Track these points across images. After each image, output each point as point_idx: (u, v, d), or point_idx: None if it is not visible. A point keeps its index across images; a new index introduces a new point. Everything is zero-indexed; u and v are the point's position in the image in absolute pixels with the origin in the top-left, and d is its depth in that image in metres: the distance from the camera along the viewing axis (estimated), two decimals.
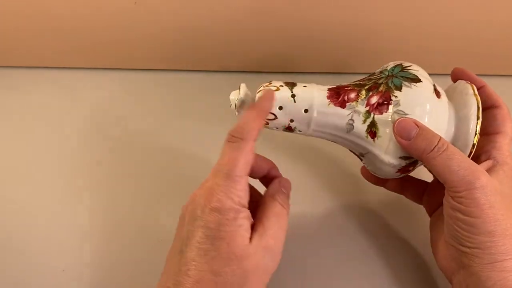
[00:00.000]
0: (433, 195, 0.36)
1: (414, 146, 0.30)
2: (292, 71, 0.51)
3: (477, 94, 0.31)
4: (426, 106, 0.31)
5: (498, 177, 0.30)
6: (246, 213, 0.28)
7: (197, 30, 0.46)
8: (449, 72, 0.51)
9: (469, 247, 0.29)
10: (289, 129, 0.32)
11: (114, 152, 0.45)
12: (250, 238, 0.28)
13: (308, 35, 0.46)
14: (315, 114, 0.31)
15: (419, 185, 0.37)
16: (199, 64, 0.51)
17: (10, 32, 0.47)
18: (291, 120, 0.32)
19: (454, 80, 0.36)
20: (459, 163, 0.29)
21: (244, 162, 0.28)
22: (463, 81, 0.34)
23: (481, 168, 0.29)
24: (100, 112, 0.48)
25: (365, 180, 0.38)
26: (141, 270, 0.37)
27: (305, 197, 0.41)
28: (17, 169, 0.44)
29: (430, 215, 0.36)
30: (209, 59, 0.50)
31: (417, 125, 0.30)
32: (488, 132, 0.33)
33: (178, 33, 0.47)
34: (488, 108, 0.34)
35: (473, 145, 0.31)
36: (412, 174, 0.35)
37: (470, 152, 0.31)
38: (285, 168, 0.35)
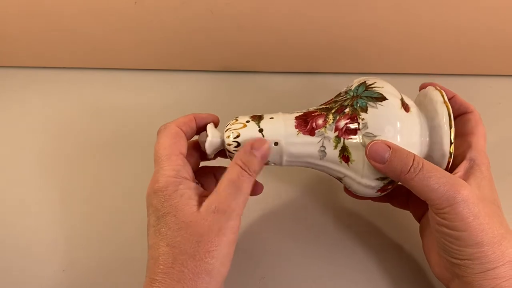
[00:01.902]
0: (418, 200, 0.35)
1: (389, 169, 0.29)
2: (289, 71, 0.51)
3: (448, 102, 0.31)
4: (396, 125, 0.30)
5: (476, 180, 0.30)
6: (188, 183, 0.29)
7: (197, 30, 0.46)
8: (449, 72, 0.52)
9: (460, 259, 0.29)
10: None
11: (114, 152, 0.45)
12: (201, 204, 0.29)
13: (307, 35, 0.46)
14: (285, 146, 0.31)
15: (404, 192, 0.37)
16: (199, 64, 0.51)
17: (10, 32, 0.47)
18: None
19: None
20: (437, 180, 0.28)
21: (168, 143, 0.30)
22: (432, 87, 0.33)
23: (460, 180, 0.29)
24: (100, 112, 0.48)
25: None
26: (141, 270, 0.37)
27: (299, 197, 0.41)
28: (17, 169, 0.44)
29: (419, 221, 0.36)
30: (209, 59, 0.50)
31: (389, 146, 0.29)
32: (463, 133, 0.33)
33: (178, 33, 0.47)
34: (461, 114, 0.34)
35: (450, 154, 0.31)
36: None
37: (448, 162, 0.31)
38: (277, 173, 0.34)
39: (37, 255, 0.38)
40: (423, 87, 0.35)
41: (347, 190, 0.36)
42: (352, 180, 0.32)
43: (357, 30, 0.46)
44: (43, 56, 0.51)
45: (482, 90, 0.50)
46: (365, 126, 0.30)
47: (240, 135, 0.31)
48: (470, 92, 0.50)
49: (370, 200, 0.38)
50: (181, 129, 0.32)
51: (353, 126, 0.30)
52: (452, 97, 0.35)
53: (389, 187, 0.32)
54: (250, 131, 0.31)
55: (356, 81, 0.33)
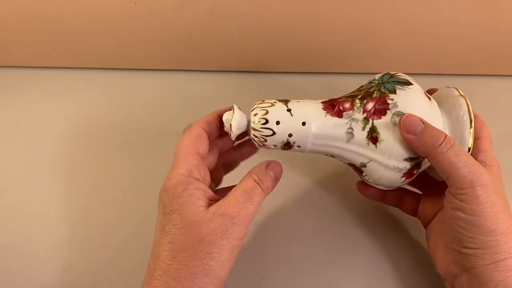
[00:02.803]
0: (427, 207, 0.36)
1: (421, 141, 0.30)
2: (292, 71, 0.51)
3: (464, 95, 0.32)
4: (423, 106, 0.31)
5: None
6: (199, 184, 0.30)
7: (197, 30, 0.46)
8: (449, 72, 0.51)
9: (471, 248, 0.29)
10: (287, 145, 0.32)
11: (114, 151, 0.45)
12: (208, 207, 0.29)
13: (308, 35, 0.46)
14: (313, 127, 0.31)
15: (414, 198, 0.37)
16: (199, 64, 0.51)
17: (10, 32, 0.47)
18: (290, 135, 0.32)
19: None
20: (465, 161, 0.29)
21: (188, 143, 0.31)
22: (445, 87, 0.34)
23: (483, 168, 0.30)
24: (100, 112, 0.48)
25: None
26: (141, 270, 0.37)
27: (306, 196, 0.41)
28: (17, 169, 0.44)
29: (425, 227, 0.36)
30: (209, 59, 0.50)
31: (422, 122, 0.30)
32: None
33: (178, 33, 0.47)
34: None
35: (469, 149, 0.31)
36: (405, 187, 0.35)
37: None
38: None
39: (37, 255, 0.38)
40: (430, 91, 0.36)
41: (362, 185, 0.37)
42: (378, 164, 0.31)
43: (357, 30, 0.46)
44: (43, 56, 0.51)
45: (482, 90, 0.50)
46: (395, 105, 0.30)
47: (269, 113, 0.31)
48: (470, 92, 0.50)
49: (372, 203, 0.38)
50: (204, 129, 0.32)
51: (382, 106, 0.31)
52: None
53: (415, 171, 0.32)
54: (278, 110, 0.31)
55: (378, 74, 0.34)
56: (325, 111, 0.32)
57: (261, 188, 0.30)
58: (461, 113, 0.31)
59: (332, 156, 0.33)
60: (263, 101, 0.32)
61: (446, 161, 0.29)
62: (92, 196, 0.42)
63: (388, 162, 0.31)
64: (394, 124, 0.30)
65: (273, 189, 0.32)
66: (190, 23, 0.45)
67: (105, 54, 0.50)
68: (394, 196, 0.38)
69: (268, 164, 0.32)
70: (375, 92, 0.32)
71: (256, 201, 0.30)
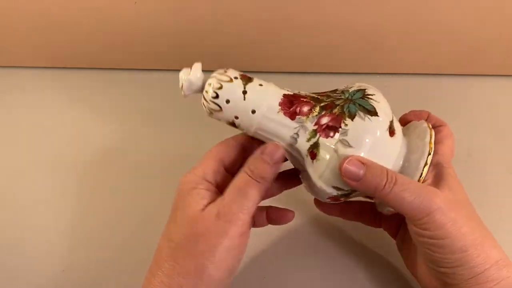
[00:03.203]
0: (389, 217, 0.35)
1: (364, 185, 0.29)
2: (292, 71, 0.51)
3: (433, 143, 0.30)
4: (375, 143, 0.29)
5: (448, 183, 0.30)
6: (209, 186, 0.30)
7: (197, 30, 0.46)
8: (449, 72, 0.52)
9: (448, 267, 0.29)
10: (232, 124, 0.31)
11: (114, 151, 0.45)
12: (207, 206, 0.29)
13: (307, 35, 0.46)
14: (260, 118, 0.30)
15: (374, 210, 0.35)
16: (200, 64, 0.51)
17: (10, 32, 0.47)
18: (236, 117, 0.30)
19: (406, 119, 0.36)
20: (412, 192, 0.28)
21: (214, 150, 0.31)
22: (425, 124, 0.32)
23: (432, 189, 0.29)
24: (100, 112, 0.48)
25: None
26: (141, 270, 0.37)
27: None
28: (16, 169, 0.44)
29: (394, 237, 0.36)
30: (210, 59, 0.50)
31: (362, 163, 0.28)
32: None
33: (178, 33, 0.47)
34: (434, 127, 0.33)
35: (420, 176, 0.30)
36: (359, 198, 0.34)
37: None
38: None
39: (36, 255, 0.38)
40: (416, 114, 0.35)
41: (317, 201, 0.36)
42: (309, 178, 0.30)
43: (357, 30, 0.46)
44: (43, 56, 0.51)
45: (482, 90, 0.50)
46: (345, 133, 0.29)
47: (223, 88, 0.30)
48: (470, 92, 0.50)
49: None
50: (243, 144, 0.32)
51: (334, 127, 0.29)
52: (428, 116, 0.35)
53: (342, 199, 0.31)
54: (233, 89, 0.30)
55: (357, 84, 0.32)
56: (280, 107, 0.30)
57: (255, 180, 0.29)
58: (420, 161, 0.30)
59: None
60: (225, 71, 0.31)
61: (394, 200, 0.28)
62: (92, 196, 0.42)
63: (317, 181, 0.30)
64: (335, 151, 0.29)
65: (275, 175, 0.30)
66: (190, 23, 0.45)
67: (105, 54, 0.50)
68: (353, 212, 0.37)
69: (263, 150, 0.30)
70: (338, 107, 0.30)
71: (251, 195, 0.29)
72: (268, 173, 0.29)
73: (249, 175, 0.29)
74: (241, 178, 0.29)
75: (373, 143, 0.29)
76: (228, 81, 0.30)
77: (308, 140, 0.30)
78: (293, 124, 0.30)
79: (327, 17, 0.44)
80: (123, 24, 0.46)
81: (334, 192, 0.30)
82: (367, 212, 0.37)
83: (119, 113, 0.48)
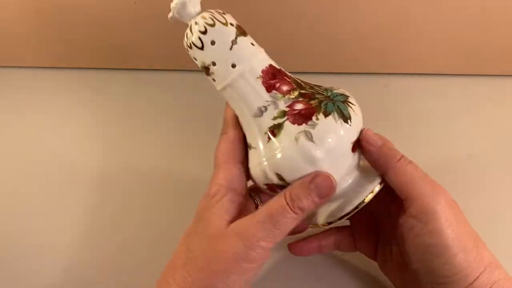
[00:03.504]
0: (365, 237, 0.34)
1: (382, 153, 0.29)
2: (290, 71, 0.51)
3: (370, 197, 0.29)
4: (334, 147, 0.27)
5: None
6: (234, 196, 0.29)
7: None
8: (449, 72, 0.51)
9: (447, 276, 0.28)
10: (205, 69, 0.29)
11: (115, 151, 0.45)
12: (231, 222, 0.28)
13: (307, 35, 0.46)
14: (237, 75, 0.28)
15: (347, 235, 0.35)
16: None
17: (10, 32, 0.47)
18: (213, 63, 0.29)
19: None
20: (422, 176, 0.28)
21: (226, 149, 0.30)
22: (378, 180, 0.30)
23: (441, 186, 0.29)
24: (100, 112, 0.48)
25: None
26: (141, 270, 0.37)
27: None
28: (17, 169, 0.44)
29: (375, 259, 0.34)
30: None
31: (381, 138, 0.29)
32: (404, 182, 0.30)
33: (178, 33, 0.47)
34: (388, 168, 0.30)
35: (363, 201, 0.29)
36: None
37: (341, 217, 0.29)
38: None
39: (37, 255, 0.38)
40: (372, 141, 0.30)
41: (292, 247, 0.35)
42: (256, 155, 0.29)
43: (357, 30, 0.46)
44: (43, 56, 0.51)
45: (482, 90, 0.50)
46: (313, 126, 0.27)
47: (214, 27, 0.28)
48: (470, 92, 0.50)
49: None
50: (238, 131, 0.31)
51: (305, 116, 0.28)
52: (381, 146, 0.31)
53: (278, 190, 0.29)
54: (224, 32, 0.28)
55: (341, 89, 0.31)
56: (261, 74, 0.29)
57: (292, 211, 0.27)
58: (362, 195, 0.29)
59: (234, 109, 0.31)
60: (224, 13, 0.29)
61: (405, 176, 0.28)
62: (92, 196, 0.42)
63: (264, 161, 0.28)
64: (296, 139, 0.27)
65: (314, 207, 0.28)
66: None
67: (105, 54, 0.50)
68: (329, 241, 0.35)
69: (313, 178, 0.27)
70: (316, 100, 0.29)
71: (283, 226, 0.27)
72: (309, 206, 0.27)
73: (287, 203, 0.27)
74: (277, 203, 0.27)
75: (334, 147, 0.27)
76: (223, 23, 0.28)
77: (274, 118, 0.28)
78: (266, 96, 0.29)
79: (327, 16, 0.44)
80: (123, 24, 0.46)
81: (275, 180, 0.28)
82: (343, 240, 0.35)
83: (119, 113, 0.48)
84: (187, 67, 0.51)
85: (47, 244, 0.39)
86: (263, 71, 0.29)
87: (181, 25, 0.29)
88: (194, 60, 0.30)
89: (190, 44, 0.29)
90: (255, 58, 0.29)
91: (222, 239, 0.27)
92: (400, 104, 0.49)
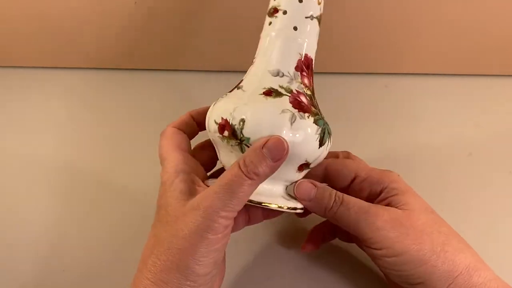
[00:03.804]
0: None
1: (315, 204, 0.31)
2: None
3: (280, 209, 0.30)
4: (298, 144, 0.28)
5: (398, 202, 0.30)
6: (185, 176, 0.29)
7: (197, 30, 0.46)
8: (449, 72, 0.51)
9: (418, 283, 0.29)
10: (274, 11, 0.31)
11: (115, 151, 0.45)
12: (188, 201, 0.28)
13: None
14: (292, 36, 0.30)
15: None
16: (200, 64, 0.51)
17: (10, 32, 0.47)
18: (285, 12, 0.30)
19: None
20: (356, 211, 0.29)
21: (166, 143, 0.31)
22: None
23: (376, 206, 0.30)
24: (99, 112, 0.48)
25: None
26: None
27: None
28: (16, 169, 0.44)
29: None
30: (210, 59, 0.50)
31: (314, 185, 0.31)
32: (347, 182, 0.33)
33: (178, 33, 0.47)
34: (352, 179, 0.33)
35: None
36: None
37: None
38: None
39: (36, 255, 0.38)
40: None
41: (304, 249, 0.36)
42: (241, 95, 0.30)
43: (357, 30, 0.46)
44: (43, 56, 0.51)
45: (482, 90, 0.50)
46: (300, 117, 0.28)
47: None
48: (470, 92, 0.50)
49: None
50: (179, 128, 0.33)
51: (301, 107, 0.29)
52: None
53: (222, 139, 0.30)
54: (313, 4, 0.31)
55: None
56: (304, 54, 0.30)
57: (248, 176, 0.26)
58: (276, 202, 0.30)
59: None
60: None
61: (341, 218, 0.30)
62: (93, 196, 0.42)
63: (243, 100, 0.29)
64: (281, 110, 0.28)
65: (273, 172, 0.27)
66: (189, 23, 0.45)
67: (105, 54, 0.50)
68: (329, 228, 0.36)
69: (266, 142, 0.27)
70: (316, 110, 0.30)
71: (240, 193, 0.26)
72: (264, 172, 0.27)
73: (241, 170, 0.27)
74: (232, 171, 0.27)
75: (296, 144, 0.28)
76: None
77: (281, 87, 0.29)
78: (292, 70, 0.30)
79: (327, 16, 0.44)
80: (123, 24, 0.46)
81: (235, 122, 0.28)
82: (340, 230, 0.35)
83: (119, 113, 0.48)
84: (187, 67, 0.51)
85: (47, 244, 0.39)
86: (306, 55, 0.30)
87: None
88: (280, 11, 0.30)
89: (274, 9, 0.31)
90: (313, 42, 0.31)
91: (182, 217, 0.27)
92: (400, 104, 0.49)
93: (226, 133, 0.28)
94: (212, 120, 0.30)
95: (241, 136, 0.28)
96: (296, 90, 0.29)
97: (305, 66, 0.30)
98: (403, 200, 0.30)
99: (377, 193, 0.32)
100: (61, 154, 0.45)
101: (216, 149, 0.32)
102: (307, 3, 0.30)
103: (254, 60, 0.32)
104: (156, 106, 0.49)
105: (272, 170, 0.27)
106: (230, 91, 0.31)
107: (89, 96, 0.50)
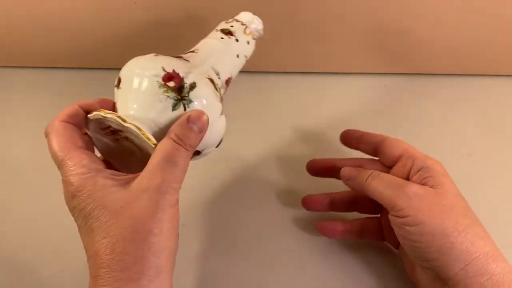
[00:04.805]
0: (389, 228, 0.35)
1: (355, 182, 0.34)
2: (290, 71, 0.51)
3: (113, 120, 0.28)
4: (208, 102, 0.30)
5: (434, 182, 0.31)
6: (103, 173, 0.27)
7: (197, 30, 0.46)
8: (449, 72, 0.51)
9: (434, 259, 0.29)
10: (229, 33, 0.35)
11: None
12: (128, 186, 0.27)
13: (307, 35, 0.46)
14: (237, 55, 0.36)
15: (375, 224, 0.37)
16: None
17: (10, 32, 0.47)
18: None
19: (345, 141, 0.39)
20: (388, 183, 0.32)
21: (61, 142, 0.28)
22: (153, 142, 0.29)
23: (405, 181, 0.32)
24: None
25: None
26: None
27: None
28: (16, 168, 0.44)
29: (397, 248, 0.36)
30: None
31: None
32: (398, 154, 0.34)
33: (178, 33, 0.47)
34: (380, 142, 0.36)
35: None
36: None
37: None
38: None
39: (36, 255, 0.38)
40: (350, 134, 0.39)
41: (321, 226, 0.37)
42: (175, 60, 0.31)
43: (357, 30, 0.46)
44: (43, 56, 0.51)
45: (482, 90, 0.50)
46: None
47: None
48: (470, 92, 0.50)
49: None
50: (69, 122, 0.30)
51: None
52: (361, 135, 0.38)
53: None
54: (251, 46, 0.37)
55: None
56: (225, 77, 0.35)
57: (184, 148, 0.28)
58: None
59: None
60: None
61: (375, 190, 0.32)
62: None
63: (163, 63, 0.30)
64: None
65: (199, 142, 0.29)
66: (190, 23, 0.45)
67: (105, 54, 0.50)
68: (355, 228, 0.37)
69: (189, 117, 0.28)
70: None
71: (181, 163, 0.27)
72: (195, 141, 0.28)
73: (177, 142, 0.27)
74: (167, 146, 0.27)
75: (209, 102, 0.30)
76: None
77: (217, 85, 0.32)
78: (224, 79, 0.34)
79: (327, 16, 0.44)
80: (123, 24, 0.46)
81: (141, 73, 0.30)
82: (370, 229, 0.37)
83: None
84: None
85: (47, 244, 0.39)
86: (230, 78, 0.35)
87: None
88: (234, 37, 0.35)
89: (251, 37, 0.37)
90: (237, 70, 0.36)
91: (134, 202, 0.26)
92: (400, 104, 0.49)
93: (171, 83, 0.29)
94: (155, 63, 0.30)
95: (186, 95, 0.29)
96: (222, 97, 0.32)
97: (227, 84, 0.35)
98: (438, 181, 0.31)
99: (416, 170, 0.33)
100: None
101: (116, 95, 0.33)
102: (249, 47, 0.36)
103: (199, 46, 0.34)
104: None
105: (200, 140, 0.29)
106: (183, 53, 0.33)
107: (89, 96, 0.49)
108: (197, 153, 0.31)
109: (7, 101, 0.49)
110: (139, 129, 0.27)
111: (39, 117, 0.48)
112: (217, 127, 0.31)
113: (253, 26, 0.36)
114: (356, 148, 0.38)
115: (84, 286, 0.37)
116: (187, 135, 0.28)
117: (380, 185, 0.32)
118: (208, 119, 0.29)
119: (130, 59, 0.33)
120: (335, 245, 0.39)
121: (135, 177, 0.27)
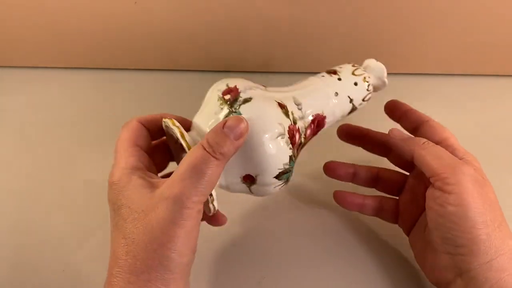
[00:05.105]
0: (406, 212, 0.35)
1: (409, 142, 0.32)
2: (290, 71, 0.51)
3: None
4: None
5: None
6: (142, 172, 0.28)
7: (197, 30, 0.46)
8: (449, 72, 0.52)
9: (464, 246, 0.28)
10: (339, 79, 0.35)
11: (113, 150, 0.45)
12: (153, 193, 0.27)
13: (307, 35, 0.46)
14: (333, 100, 0.34)
15: (392, 204, 0.37)
16: (199, 64, 0.51)
17: (10, 32, 0.47)
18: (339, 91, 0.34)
19: (390, 111, 0.38)
20: (444, 152, 0.31)
21: (125, 137, 0.30)
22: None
23: (462, 161, 0.31)
24: (99, 112, 0.48)
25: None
26: None
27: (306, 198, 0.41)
28: (16, 168, 0.44)
29: (408, 234, 0.36)
30: (210, 59, 0.50)
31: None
32: (437, 140, 0.33)
33: (178, 33, 0.47)
34: (420, 124, 0.35)
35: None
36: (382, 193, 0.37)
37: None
38: None
39: (36, 255, 0.38)
40: (394, 106, 0.38)
41: (339, 195, 0.37)
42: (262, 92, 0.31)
43: (357, 30, 0.46)
44: (43, 56, 0.51)
45: (482, 90, 0.50)
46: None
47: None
48: (469, 92, 0.50)
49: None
50: (143, 125, 0.31)
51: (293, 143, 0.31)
52: (408, 110, 0.36)
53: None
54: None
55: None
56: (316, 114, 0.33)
57: (214, 157, 0.26)
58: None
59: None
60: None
61: (430, 154, 0.31)
62: (92, 196, 0.42)
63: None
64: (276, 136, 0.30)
65: (236, 150, 0.28)
66: (190, 23, 0.46)
67: (105, 54, 0.50)
68: (373, 208, 0.37)
69: (225, 123, 0.27)
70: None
71: (209, 174, 0.26)
72: (229, 150, 0.27)
73: (207, 151, 0.26)
74: (196, 153, 0.26)
75: (270, 154, 0.29)
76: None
77: (292, 113, 0.31)
78: (309, 113, 0.32)
79: (327, 17, 0.44)
80: (123, 24, 0.46)
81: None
82: (387, 209, 0.37)
83: (119, 113, 0.48)
84: (187, 67, 0.51)
85: (47, 244, 0.39)
86: (324, 116, 0.33)
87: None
88: (336, 76, 0.35)
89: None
90: (337, 113, 0.34)
91: (152, 210, 0.26)
92: None
93: (228, 96, 0.30)
94: (226, 80, 0.32)
95: (237, 108, 0.29)
96: (298, 127, 0.31)
97: (317, 121, 0.33)
98: (481, 175, 0.31)
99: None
100: (60, 153, 0.45)
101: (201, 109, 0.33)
102: (356, 89, 0.35)
103: (297, 83, 0.34)
104: (156, 106, 0.49)
105: (236, 148, 0.27)
106: (264, 88, 0.33)
107: (88, 96, 0.50)
108: (251, 179, 0.30)
109: (7, 101, 0.49)
110: (182, 134, 0.28)
111: (39, 117, 0.48)
112: (269, 150, 0.29)
113: (374, 73, 0.36)
114: (398, 121, 0.37)
115: (84, 286, 0.37)
116: (219, 142, 0.27)
117: (440, 155, 0.30)
118: (247, 127, 0.27)
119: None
120: (335, 245, 0.39)
121: (165, 182, 0.27)
